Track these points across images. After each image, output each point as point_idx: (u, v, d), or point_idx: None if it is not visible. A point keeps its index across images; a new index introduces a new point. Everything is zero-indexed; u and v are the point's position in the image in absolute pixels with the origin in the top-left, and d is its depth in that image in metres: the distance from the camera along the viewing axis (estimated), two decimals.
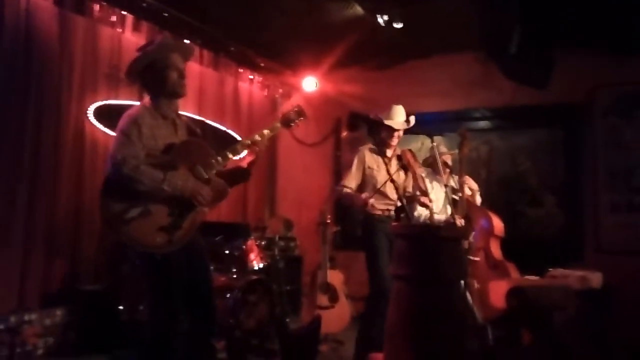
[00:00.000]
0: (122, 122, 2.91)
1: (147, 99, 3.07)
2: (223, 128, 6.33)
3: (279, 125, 3.33)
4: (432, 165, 4.88)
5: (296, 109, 3.38)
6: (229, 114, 6.58)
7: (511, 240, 5.04)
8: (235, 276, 4.73)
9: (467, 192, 4.76)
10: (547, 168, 5.98)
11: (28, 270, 4.30)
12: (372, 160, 4.32)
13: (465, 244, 4.33)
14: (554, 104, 5.76)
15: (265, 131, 3.25)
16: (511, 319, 3.81)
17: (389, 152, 4.34)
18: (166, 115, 3.05)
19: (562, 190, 5.90)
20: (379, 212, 4.23)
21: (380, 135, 4.35)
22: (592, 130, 5.74)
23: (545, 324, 3.58)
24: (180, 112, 3.21)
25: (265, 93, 7.25)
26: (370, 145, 4.41)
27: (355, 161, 4.34)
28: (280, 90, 7.42)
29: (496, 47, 5.08)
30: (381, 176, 4.25)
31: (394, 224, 3.03)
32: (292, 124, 3.37)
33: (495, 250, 4.77)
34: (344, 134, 7.00)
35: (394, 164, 4.29)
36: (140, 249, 2.91)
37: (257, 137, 3.21)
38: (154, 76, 3.01)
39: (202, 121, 5.89)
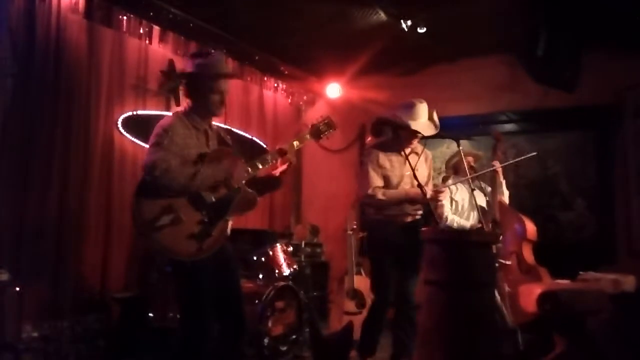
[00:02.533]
0: (155, 131, 2.97)
1: (181, 108, 3.14)
2: (249, 136, 6.39)
3: (308, 136, 3.33)
4: (456, 168, 4.86)
5: (326, 121, 3.36)
6: (254, 122, 6.63)
7: (542, 244, 4.98)
8: (262, 283, 4.75)
9: (505, 192, 4.73)
10: (577, 171, 5.89)
11: (59, 277, 4.36)
12: (385, 160, 4.06)
13: (494, 248, 4.28)
14: (583, 105, 5.67)
15: (295, 142, 3.26)
16: (543, 323, 3.74)
17: (405, 151, 4.04)
18: (199, 127, 3.10)
19: (593, 194, 5.80)
20: (392, 217, 4.04)
21: (398, 135, 4.06)
22: (623, 132, 5.64)
23: (578, 329, 3.51)
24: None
25: (290, 100, 7.30)
26: (379, 145, 4.15)
27: (371, 163, 4.05)
28: (305, 98, 7.45)
29: (523, 50, 5.03)
30: (395, 176, 4.03)
31: (423, 229, 3.00)
32: (322, 136, 3.36)
33: (528, 254, 4.71)
34: (369, 139, 6.99)
35: (413, 161, 4.04)
36: (170, 256, 2.94)
37: (286, 148, 3.22)
38: (197, 93, 3.09)
39: (229, 129, 5.94)
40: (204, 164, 2.95)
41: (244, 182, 3.09)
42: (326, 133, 3.36)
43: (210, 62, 3.07)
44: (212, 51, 3.20)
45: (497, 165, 4.64)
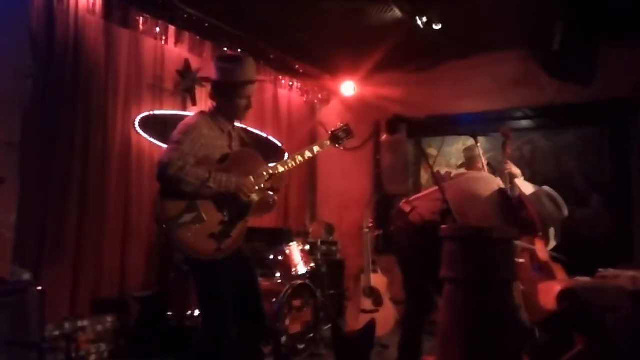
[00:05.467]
0: (177, 130, 2.99)
1: (207, 108, 3.17)
2: (264, 134, 6.40)
3: (328, 142, 3.39)
4: (470, 164, 4.85)
5: (345, 128, 3.43)
6: (269, 121, 6.65)
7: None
8: (280, 281, 4.76)
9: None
10: (592, 167, 5.84)
11: (79, 277, 4.41)
12: None
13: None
14: (599, 100, 5.62)
15: (315, 148, 3.32)
16: (562, 321, 3.72)
17: None
18: (224, 129, 3.13)
19: (609, 189, 5.76)
20: None
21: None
22: (639, 127, 5.58)
23: (597, 326, 3.49)
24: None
25: (304, 99, 7.31)
26: None
27: None
28: (319, 96, 7.46)
29: (538, 45, 5.00)
30: None
31: (442, 226, 3.00)
32: (340, 142, 3.42)
33: (541, 251, 4.69)
34: (384, 137, 6.98)
35: None
36: (190, 254, 2.96)
37: (307, 153, 3.28)
38: (223, 97, 3.11)
39: (245, 128, 5.96)
40: (220, 170, 2.98)
41: (264, 183, 3.13)
42: (345, 140, 3.44)
43: (238, 68, 3.08)
44: (239, 55, 3.20)
45: (509, 165, 4.62)
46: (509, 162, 4.65)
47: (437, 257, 3.37)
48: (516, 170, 4.74)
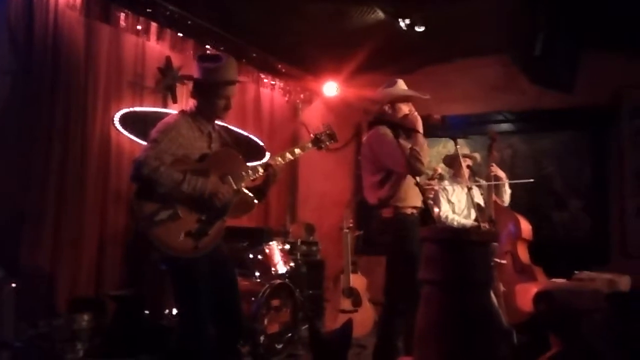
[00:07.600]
0: (156, 128, 2.97)
1: (188, 108, 3.15)
2: (246, 133, 6.38)
3: (310, 145, 3.41)
4: (453, 167, 4.89)
5: (328, 132, 3.45)
6: (251, 120, 6.62)
7: (536, 243, 5.00)
8: (259, 281, 4.75)
9: (507, 191, 4.77)
10: (572, 171, 5.91)
11: (55, 275, 4.36)
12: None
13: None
14: (580, 106, 5.68)
15: (297, 150, 3.33)
16: (539, 323, 3.76)
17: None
18: (203, 129, 3.11)
19: (588, 194, 5.83)
20: (411, 211, 3.71)
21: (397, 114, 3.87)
22: (619, 133, 5.66)
23: (573, 328, 3.53)
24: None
25: (287, 99, 7.29)
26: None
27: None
28: (302, 96, 7.45)
29: (520, 50, 5.04)
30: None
31: (422, 227, 3.01)
32: (323, 145, 3.44)
33: (523, 253, 4.74)
34: (365, 139, 6.98)
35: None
36: (167, 252, 2.94)
37: (288, 155, 3.27)
38: (203, 97, 3.09)
39: (226, 127, 5.93)
40: (197, 169, 2.96)
41: (243, 184, 3.11)
42: (327, 143, 3.46)
43: (219, 68, 3.06)
44: (221, 55, 3.18)
45: (494, 168, 4.67)
46: (494, 165, 4.70)
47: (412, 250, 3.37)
48: (501, 174, 4.78)
